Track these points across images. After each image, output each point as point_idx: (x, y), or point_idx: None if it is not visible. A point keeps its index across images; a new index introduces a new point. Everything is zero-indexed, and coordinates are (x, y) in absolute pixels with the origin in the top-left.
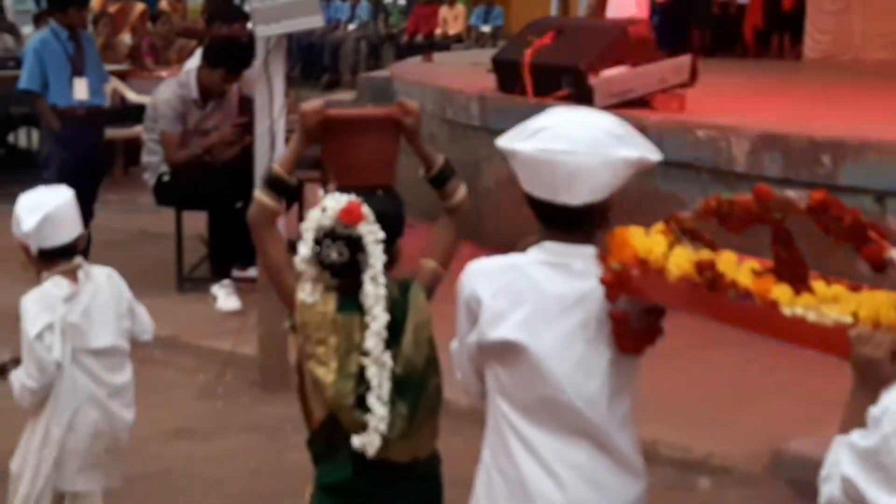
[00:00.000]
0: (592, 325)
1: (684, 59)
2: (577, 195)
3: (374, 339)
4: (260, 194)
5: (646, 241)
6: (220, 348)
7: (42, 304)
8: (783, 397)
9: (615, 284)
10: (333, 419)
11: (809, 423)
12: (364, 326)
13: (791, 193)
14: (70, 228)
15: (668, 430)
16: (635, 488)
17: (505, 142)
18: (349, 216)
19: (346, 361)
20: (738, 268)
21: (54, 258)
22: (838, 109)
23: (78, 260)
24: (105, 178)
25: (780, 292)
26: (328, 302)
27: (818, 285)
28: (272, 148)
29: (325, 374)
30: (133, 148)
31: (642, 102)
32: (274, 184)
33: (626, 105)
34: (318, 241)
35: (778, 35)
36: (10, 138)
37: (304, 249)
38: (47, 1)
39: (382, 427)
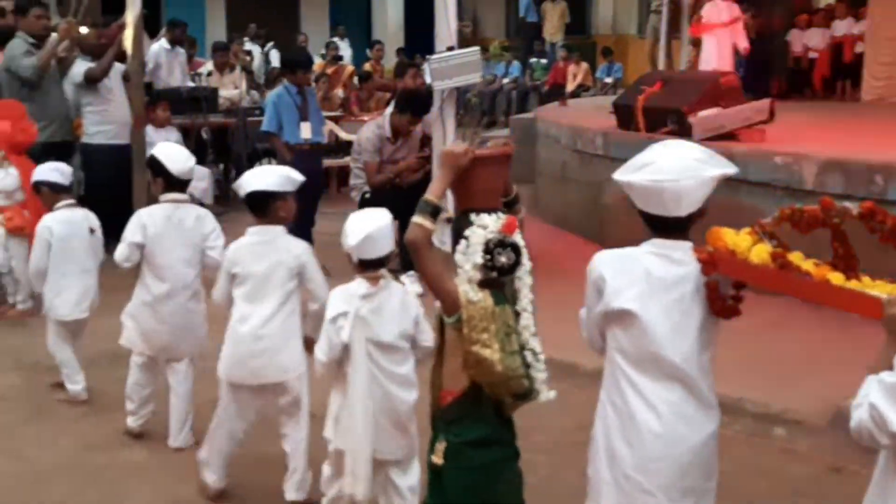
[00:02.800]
0: (687, 299)
1: (765, 102)
2: (682, 209)
3: (530, 318)
4: (419, 219)
5: (735, 238)
6: None
7: (343, 296)
8: (843, 366)
9: (709, 262)
10: (476, 389)
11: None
12: (515, 314)
13: (847, 204)
14: (384, 246)
15: (751, 390)
16: (713, 422)
17: (620, 175)
18: (510, 229)
19: (507, 342)
20: (804, 260)
21: (368, 267)
22: (889, 139)
23: (383, 271)
24: (322, 196)
25: (834, 277)
26: (486, 298)
27: (865, 279)
28: None
29: (492, 354)
30: (343, 173)
31: (731, 136)
32: (431, 210)
33: (718, 138)
34: (488, 251)
35: (841, 82)
36: (257, 166)
37: (475, 259)
38: (282, 66)
39: (544, 383)
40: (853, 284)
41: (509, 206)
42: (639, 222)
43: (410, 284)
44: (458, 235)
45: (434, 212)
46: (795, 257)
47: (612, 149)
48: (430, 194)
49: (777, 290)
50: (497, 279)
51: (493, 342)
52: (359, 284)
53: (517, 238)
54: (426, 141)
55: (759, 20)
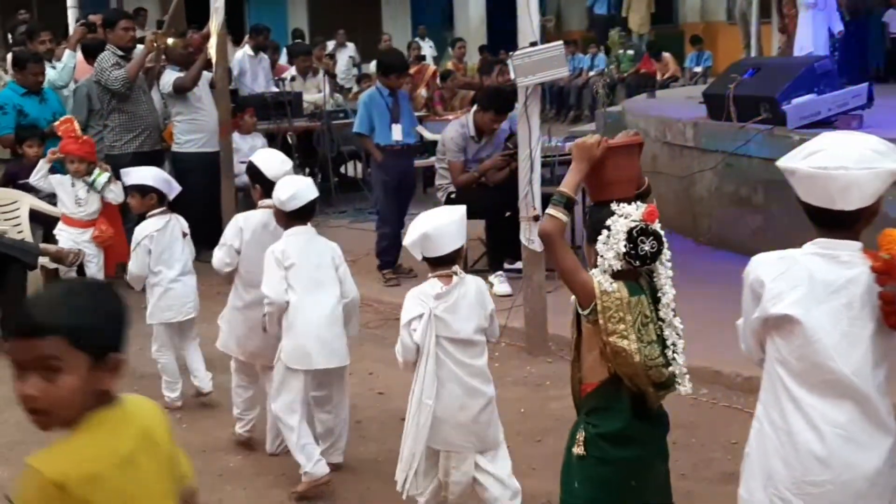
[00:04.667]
0: (856, 305)
1: (862, 87)
2: (851, 202)
3: (666, 309)
4: (553, 211)
5: None
6: None
7: (417, 299)
8: None
9: (885, 271)
10: (615, 380)
11: None
12: (649, 303)
13: None
14: (448, 243)
15: None
16: (887, 447)
17: (784, 162)
18: (652, 217)
19: (643, 332)
20: None
21: (436, 264)
22: None
23: (455, 267)
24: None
25: None
26: (621, 289)
27: None
28: (532, 170)
29: (629, 344)
30: (429, 174)
31: (827, 123)
32: (566, 202)
33: (814, 125)
34: (631, 240)
35: None
36: (342, 169)
37: (619, 248)
38: (378, 68)
39: (685, 375)
40: None
41: (642, 198)
42: (733, 215)
43: (499, 285)
44: (598, 226)
45: (568, 204)
46: None
47: (702, 140)
48: (565, 186)
49: None
50: (633, 269)
51: (630, 332)
52: (432, 284)
53: (658, 226)
54: (510, 138)
55: (852, 1)
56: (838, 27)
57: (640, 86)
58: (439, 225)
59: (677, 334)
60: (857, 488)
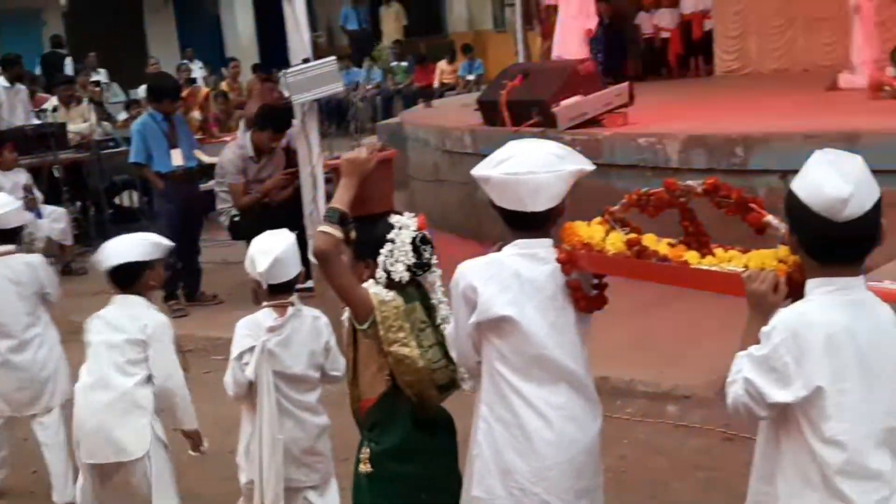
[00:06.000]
0: (559, 296)
1: (623, 86)
2: (540, 204)
3: (446, 309)
4: (327, 228)
5: (588, 230)
6: None
7: (249, 329)
8: (721, 336)
9: (568, 261)
10: (394, 392)
11: None
12: (429, 307)
13: (690, 182)
14: (292, 269)
15: (640, 371)
16: (598, 418)
17: (478, 171)
18: (424, 225)
19: (422, 337)
20: (658, 242)
21: (275, 292)
22: (745, 111)
23: (293, 297)
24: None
25: (690, 256)
26: (396, 298)
27: (718, 251)
28: (315, 187)
29: (411, 351)
30: (209, 198)
31: (595, 122)
32: (340, 219)
33: (583, 125)
34: (416, 249)
35: (694, 58)
36: (117, 200)
37: (406, 259)
38: (148, 94)
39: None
40: (708, 261)
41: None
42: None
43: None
44: (378, 240)
45: (341, 220)
46: (649, 240)
47: (481, 146)
48: (338, 203)
49: (638, 278)
50: (409, 279)
51: (410, 339)
52: (265, 315)
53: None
54: (291, 156)
55: (609, 5)
56: (590, 26)
57: (417, 96)
58: (287, 247)
59: None
60: (579, 462)
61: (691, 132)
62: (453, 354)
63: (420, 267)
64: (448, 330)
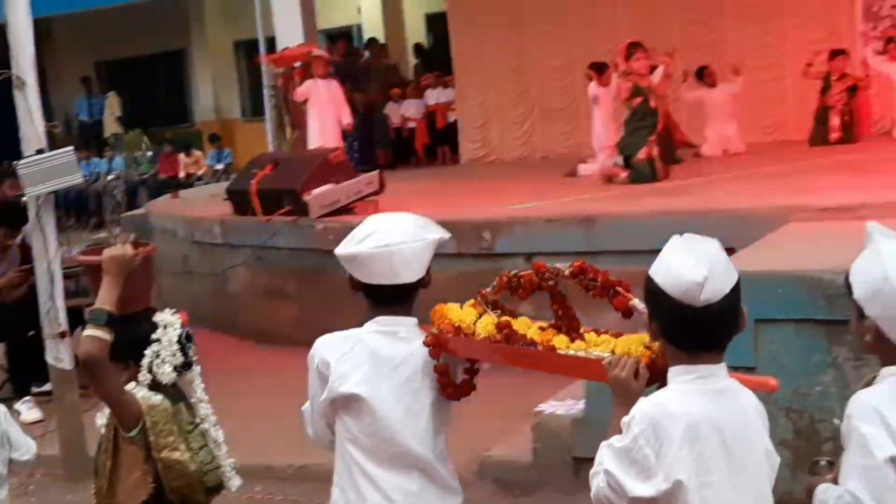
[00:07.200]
0: (417, 378)
1: (374, 174)
2: (413, 273)
3: (207, 407)
4: (94, 332)
5: (459, 313)
6: None
7: None
8: (481, 417)
9: (435, 345)
10: (157, 498)
11: (504, 434)
12: (187, 409)
13: (559, 265)
14: None
15: None
16: None
17: (343, 250)
18: (186, 321)
19: (191, 439)
20: (529, 326)
21: None
22: (490, 197)
23: None
24: None
25: (558, 340)
26: (164, 401)
27: (590, 335)
28: (53, 284)
29: (181, 455)
30: None
31: (347, 210)
32: (106, 320)
33: (335, 213)
34: (182, 348)
35: (441, 147)
36: None
37: (175, 360)
38: None
39: (233, 470)
40: (577, 346)
41: None
42: (270, 308)
43: (27, 412)
44: (141, 341)
45: (109, 322)
46: (520, 324)
47: (231, 236)
48: (104, 303)
49: (506, 363)
50: (175, 379)
51: (179, 443)
52: None
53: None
54: (28, 251)
55: (360, 95)
56: (347, 119)
57: (163, 186)
58: None
59: (219, 434)
60: None
61: (440, 218)
62: (308, 432)
63: (185, 366)
64: (304, 407)
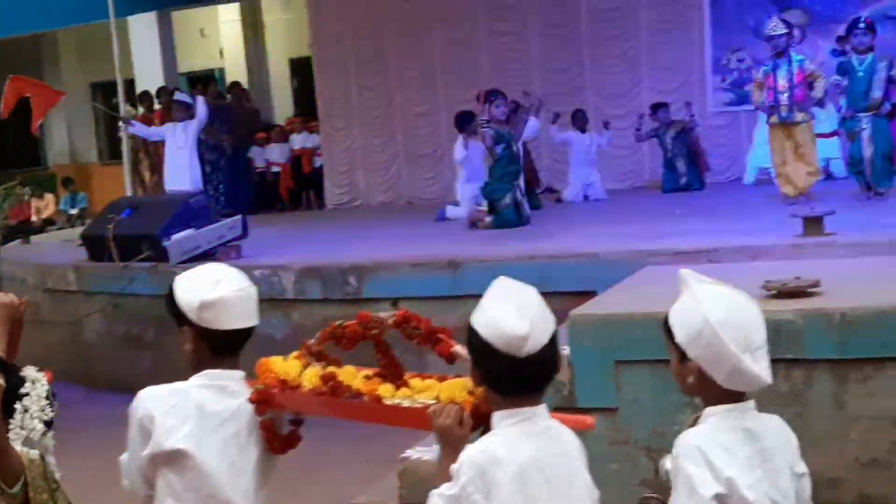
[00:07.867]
0: (244, 434)
1: (237, 218)
2: (253, 318)
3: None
4: None
5: (284, 366)
6: None
7: None
8: (346, 464)
9: (261, 401)
10: None
11: (369, 481)
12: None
13: (383, 314)
14: None
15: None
16: None
17: (201, 296)
18: (51, 378)
19: (57, 496)
20: (355, 376)
21: None
22: (356, 242)
23: None
24: None
25: (384, 389)
26: (38, 456)
27: (414, 381)
28: None
29: None
30: None
31: (208, 255)
32: (1, 367)
33: (196, 259)
34: (51, 403)
35: (306, 192)
36: None
37: (45, 415)
38: None
39: None
40: (402, 393)
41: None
42: (125, 356)
43: None
44: (10, 394)
45: (2, 368)
46: (346, 374)
47: (87, 283)
48: None
49: (333, 416)
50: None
51: (49, 501)
52: None
53: None
54: None
55: (229, 137)
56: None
57: (13, 232)
58: None
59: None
60: None
61: (305, 264)
62: (124, 483)
63: (49, 423)
64: (122, 457)
